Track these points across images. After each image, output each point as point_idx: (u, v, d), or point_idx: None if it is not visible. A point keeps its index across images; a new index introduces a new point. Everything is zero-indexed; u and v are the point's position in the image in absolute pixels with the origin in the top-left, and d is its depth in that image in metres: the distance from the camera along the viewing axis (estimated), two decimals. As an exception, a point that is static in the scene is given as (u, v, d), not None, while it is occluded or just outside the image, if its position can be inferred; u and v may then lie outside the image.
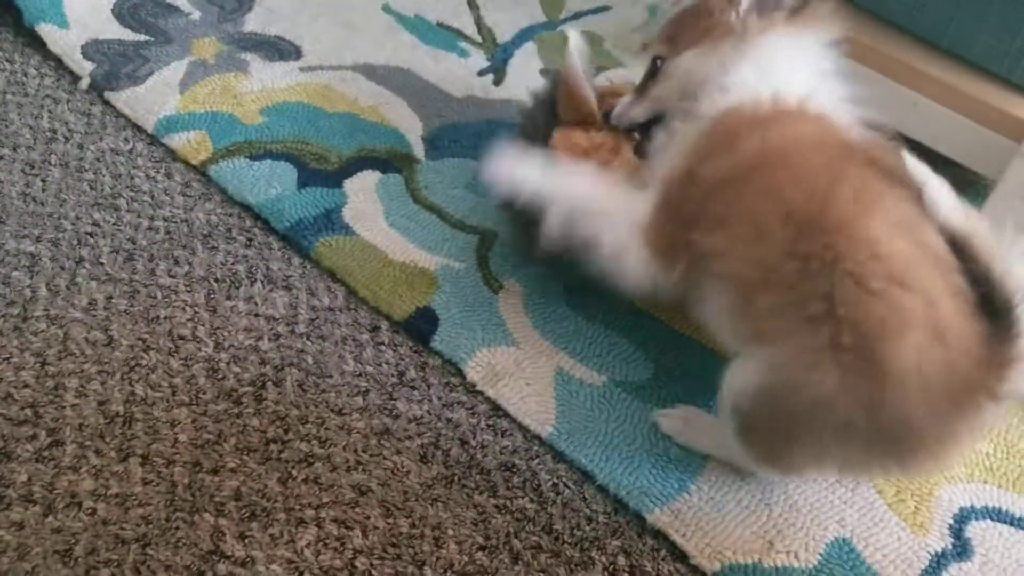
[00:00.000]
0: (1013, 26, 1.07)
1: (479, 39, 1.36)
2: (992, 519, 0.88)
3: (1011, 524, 0.88)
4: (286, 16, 1.37)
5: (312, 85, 1.26)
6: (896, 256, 0.67)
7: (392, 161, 1.17)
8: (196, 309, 1.00)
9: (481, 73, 1.32)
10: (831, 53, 0.84)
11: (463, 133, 1.22)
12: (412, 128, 1.22)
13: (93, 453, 0.87)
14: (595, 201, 0.86)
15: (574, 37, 1.01)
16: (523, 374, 0.96)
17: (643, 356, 0.99)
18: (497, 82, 1.30)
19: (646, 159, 0.92)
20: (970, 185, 1.19)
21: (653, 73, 0.90)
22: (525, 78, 1.30)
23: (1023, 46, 1.07)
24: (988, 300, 0.65)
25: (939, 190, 0.70)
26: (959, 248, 0.67)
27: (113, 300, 1.00)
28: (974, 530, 0.87)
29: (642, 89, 0.92)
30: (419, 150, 1.19)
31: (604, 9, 1.44)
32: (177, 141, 1.16)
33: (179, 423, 0.90)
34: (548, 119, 1.01)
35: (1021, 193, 1.06)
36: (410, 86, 1.28)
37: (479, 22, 1.39)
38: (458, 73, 1.31)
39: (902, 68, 1.13)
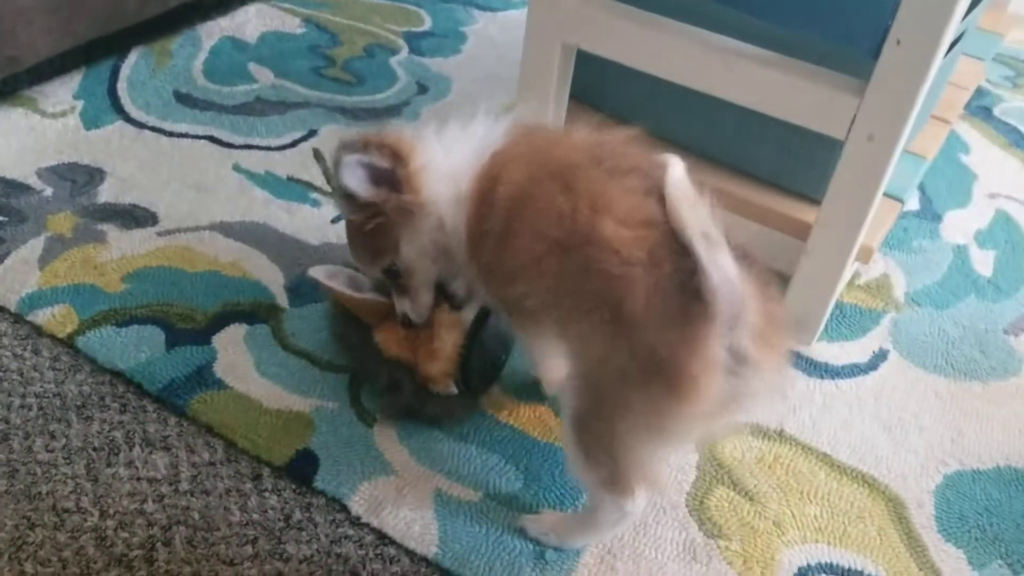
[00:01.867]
0: (786, 145, 1.25)
1: (329, 189, 1.46)
2: (826, 573, 1.00)
3: (841, 575, 1.00)
4: (138, 184, 1.43)
5: (171, 248, 1.32)
6: (625, 244, 0.83)
7: (257, 313, 1.24)
8: (77, 480, 1.03)
9: (334, 220, 1.41)
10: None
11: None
12: (274, 279, 1.29)
13: (-14, 640, 0.88)
14: None
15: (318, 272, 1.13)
16: (405, 501, 1.03)
17: (512, 468, 1.08)
18: (349, 227, 1.40)
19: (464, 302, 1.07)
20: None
21: (396, 274, 1.03)
22: (375, 221, 1.40)
23: (796, 161, 1.26)
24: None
25: (675, 167, 0.86)
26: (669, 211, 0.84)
27: (-8, 482, 1.02)
28: (813, 586, 0.99)
29: (402, 290, 1.05)
30: (283, 299, 1.27)
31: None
32: (42, 317, 1.19)
33: (72, 596, 0.92)
34: (359, 330, 1.12)
35: (810, 283, 1.22)
36: (268, 239, 1.36)
37: (327, 173, 1.48)
38: (312, 223, 1.40)
39: (699, 187, 1.29)
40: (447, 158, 0.97)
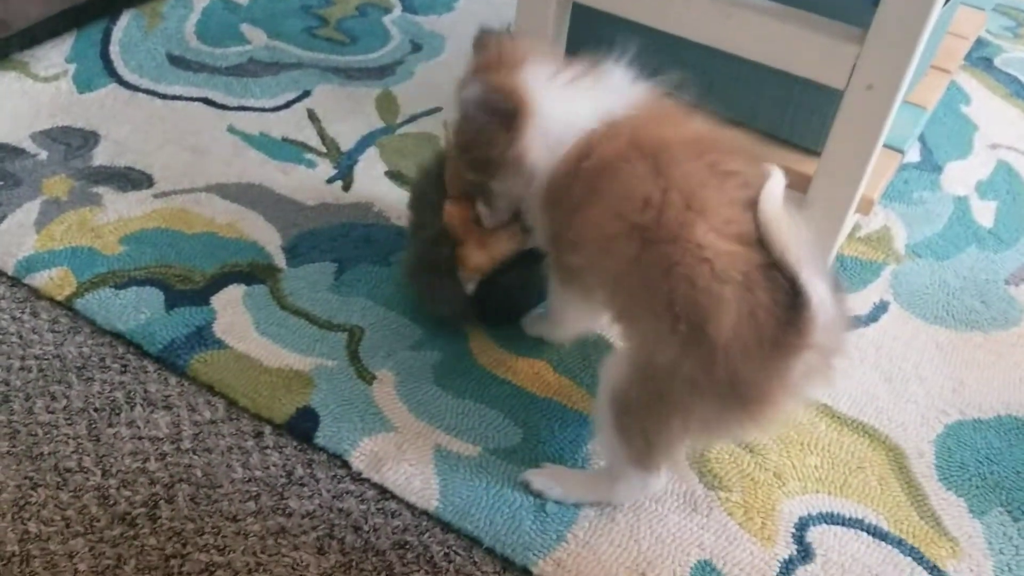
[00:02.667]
0: (785, 96, 1.24)
1: (324, 149, 1.45)
2: (827, 523, 1.00)
3: (842, 525, 1.00)
4: (133, 147, 1.42)
5: (168, 210, 1.32)
6: (719, 257, 0.79)
7: (255, 273, 1.24)
8: (79, 440, 1.03)
9: (330, 181, 1.40)
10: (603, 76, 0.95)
11: (320, 239, 1.30)
12: (271, 240, 1.29)
13: (-8, 597, 0.89)
14: None
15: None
16: (405, 456, 1.03)
17: (511, 423, 1.08)
18: (346, 188, 1.39)
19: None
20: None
21: (484, 189, 1.01)
22: (371, 181, 1.40)
23: (797, 112, 1.24)
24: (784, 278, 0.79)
25: (774, 183, 0.82)
26: (765, 231, 0.80)
27: (-7, 444, 1.02)
28: (813, 535, 0.99)
29: (487, 199, 1.03)
30: (280, 259, 1.26)
31: (436, 110, 1.56)
32: (39, 280, 1.19)
33: (77, 554, 0.93)
34: (439, 192, 1.09)
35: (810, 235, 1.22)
36: (264, 200, 1.35)
37: (322, 134, 1.48)
38: (308, 183, 1.39)
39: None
40: (562, 116, 0.92)
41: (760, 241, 0.79)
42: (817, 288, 0.77)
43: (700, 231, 0.80)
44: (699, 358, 0.81)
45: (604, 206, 0.87)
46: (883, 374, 1.18)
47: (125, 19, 1.70)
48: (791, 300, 0.77)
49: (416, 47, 1.71)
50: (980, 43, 1.84)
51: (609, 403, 0.91)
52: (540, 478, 1.01)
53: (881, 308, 1.27)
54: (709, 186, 0.83)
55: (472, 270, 1.08)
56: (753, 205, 0.81)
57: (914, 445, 1.09)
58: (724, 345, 0.79)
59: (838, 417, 1.12)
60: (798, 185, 1.22)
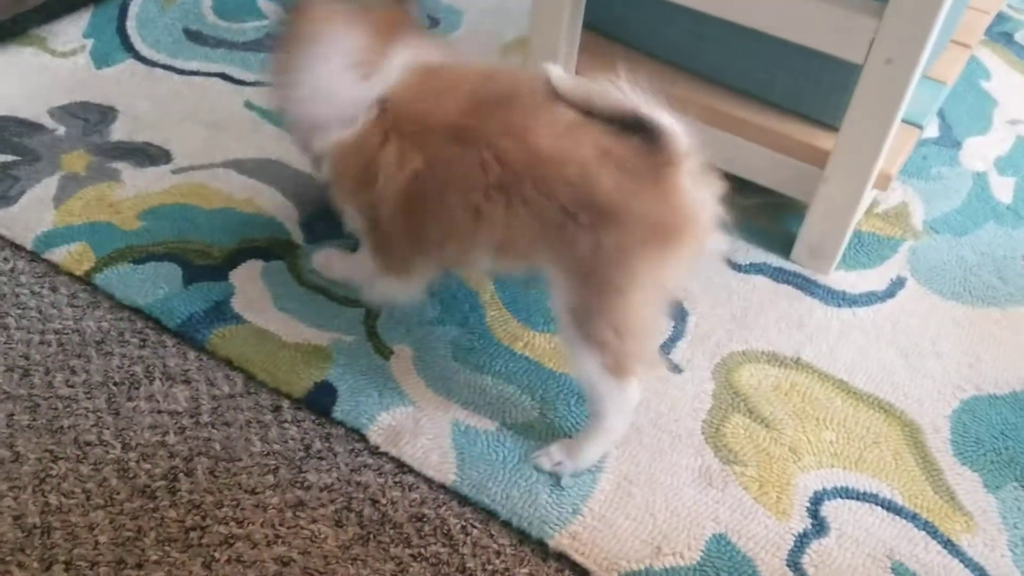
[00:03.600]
0: (803, 71, 1.23)
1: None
2: (841, 497, 1.01)
3: (857, 499, 1.01)
4: (151, 123, 1.42)
5: (186, 186, 1.32)
6: (567, 151, 0.88)
7: (273, 249, 1.24)
8: (99, 414, 1.04)
9: (346, 156, 1.40)
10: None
11: (336, 215, 1.30)
12: (289, 215, 1.29)
13: (16, 567, 0.90)
14: None
15: None
16: (422, 431, 1.04)
17: (528, 397, 1.08)
18: (362, 163, 1.39)
19: None
20: (789, 209, 1.35)
21: None
22: (387, 156, 1.40)
23: (815, 87, 1.23)
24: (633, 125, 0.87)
25: (553, 70, 0.91)
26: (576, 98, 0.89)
27: (15, 417, 1.03)
28: (828, 509, 0.99)
29: None
30: (297, 235, 1.27)
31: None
32: (58, 255, 1.20)
33: (97, 526, 0.94)
34: None
35: (828, 211, 1.22)
36: (281, 176, 1.35)
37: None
38: (324, 158, 1.39)
39: (718, 115, 1.28)
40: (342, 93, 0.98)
41: (587, 116, 0.88)
42: (658, 113, 0.85)
43: (543, 145, 0.88)
44: (611, 227, 0.88)
45: (449, 200, 0.93)
46: (900, 350, 1.17)
47: (141, -5, 1.70)
48: (645, 136, 0.86)
49: (434, 22, 1.71)
50: (1001, 18, 1.82)
51: (570, 319, 0.94)
52: (546, 458, 1.02)
53: (898, 284, 1.26)
54: (512, 114, 0.91)
55: None
56: (552, 101, 0.90)
57: (930, 420, 1.09)
58: (619, 202, 0.87)
59: (854, 392, 1.12)
60: (816, 160, 1.22)
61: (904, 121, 1.25)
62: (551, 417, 1.06)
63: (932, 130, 1.54)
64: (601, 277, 0.91)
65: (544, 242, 0.92)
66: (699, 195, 0.90)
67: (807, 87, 1.24)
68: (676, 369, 1.13)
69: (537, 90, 0.92)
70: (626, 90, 0.87)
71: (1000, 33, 1.79)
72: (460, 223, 0.94)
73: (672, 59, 1.35)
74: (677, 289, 1.03)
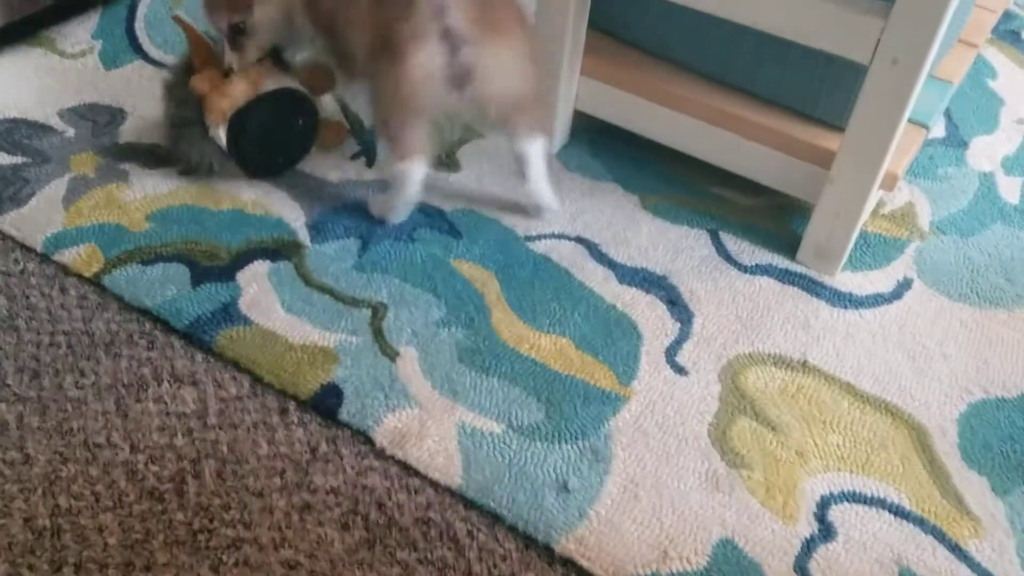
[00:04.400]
0: (809, 70, 1.23)
1: (348, 126, 1.45)
2: (848, 501, 1.01)
3: (864, 503, 1.01)
4: (159, 124, 1.42)
5: (194, 187, 1.32)
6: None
7: (281, 250, 1.25)
8: (108, 416, 1.05)
9: (353, 157, 1.41)
10: None
11: (344, 215, 1.30)
12: (296, 216, 1.30)
13: (26, 569, 0.91)
14: None
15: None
16: (428, 433, 1.04)
17: (534, 399, 1.09)
18: (369, 164, 1.40)
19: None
20: (795, 210, 1.35)
21: (241, 31, 1.23)
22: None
23: (820, 87, 1.23)
24: None
25: None
26: None
27: (25, 419, 1.04)
28: (835, 513, 0.99)
29: (238, 45, 1.25)
30: (304, 236, 1.27)
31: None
32: (68, 256, 1.21)
33: (106, 528, 0.95)
34: (185, 75, 1.29)
35: (834, 211, 1.21)
36: (289, 177, 1.36)
37: (345, 110, 1.48)
38: (331, 160, 1.40)
39: (723, 116, 1.28)
40: None
41: None
42: None
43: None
44: (368, 37, 1.15)
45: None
46: (907, 352, 1.17)
47: (148, -5, 1.71)
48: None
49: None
50: (1008, 16, 1.81)
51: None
52: (376, 207, 1.29)
53: (905, 285, 1.26)
54: None
55: (217, 115, 1.26)
56: None
57: (937, 423, 1.09)
58: (371, 22, 1.13)
59: (861, 395, 1.12)
60: (821, 161, 1.22)
61: (910, 121, 1.25)
62: (557, 419, 1.07)
63: (939, 130, 1.53)
64: (367, 74, 1.18)
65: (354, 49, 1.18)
66: (458, 46, 1.10)
67: (813, 87, 1.24)
68: (682, 372, 1.13)
69: None
70: None
71: (1007, 31, 1.79)
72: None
73: (677, 59, 1.35)
74: (420, 105, 1.19)
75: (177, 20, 1.31)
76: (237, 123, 1.27)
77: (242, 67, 1.27)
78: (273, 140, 1.33)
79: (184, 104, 1.29)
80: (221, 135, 1.28)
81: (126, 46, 1.58)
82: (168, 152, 1.36)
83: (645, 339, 1.16)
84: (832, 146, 1.21)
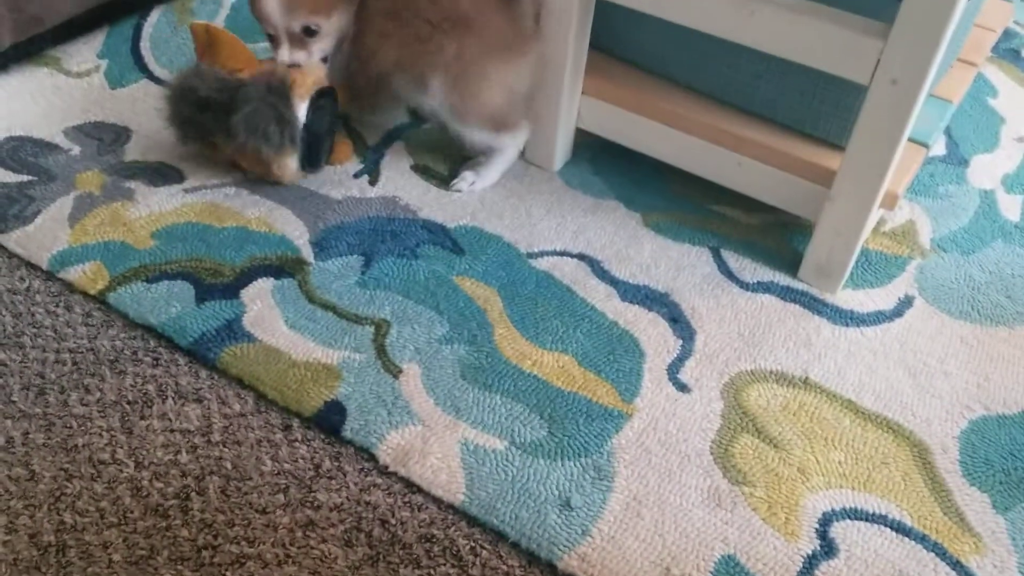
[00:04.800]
0: (808, 90, 1.24)
1: (351, 143, 1.47)
2: (851, 518, 1.01)
3: (866, 520, 1.01)
4: (164, 142, 1.44)
5: (199, 205, 1.33)
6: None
7: (284, 267, 1.26)
8: (113, 433, 1.06)
9: (357, 175, 1.42)
10: None
11: (347, 232, 1.31)
12: (299, 233, 1.30)
13: (31, 585, 0.91)
14: None
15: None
16: (431, 450, 1.05)
17: (537, 416, 1.09)
18: (372, 182, 1.41)
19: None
20: (796, 227, 1.36)
21: (311, 32, 1.31)
22: (397, 175, 1.41)
23: (819, 106, 1.24)
24: None
25: None
26: None
27: (30, 435, 1.04)
28: (837, 530, 1.00)
29: (302, 45, 1.33)
30: (308, 253, 1.28)
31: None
32: (73, 274, 1.22)
33: (111, 544, 0.95)
34: (204, 80, 1.31)
35: (835, 230, 1.22)
36: (292, 194, 1.37)
37: (349, 129, 1.49)
38: (335, 177, 1.41)
39: (723, 134, 1.29)
40: None
41: None
42: None
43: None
44: (475, 40, 1.28)
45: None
46: (908, 369, 1.18)
47: (155, 15, 1.72)
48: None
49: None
50: (1008, 34, 1.82)
51: (454, 118, 1.35)
52: (464, 183, 1.39)
53: (906, 303, 1.27)
54: None
55: (304, 91, 1.30)
56: None
57: (939, 440, 1.10)
58: (483, 24, 1.28)
59: (862, 412, 1.12)
60: (822, 179, 1.22)
61: (911, 140, 1.26)
62: (560, 436, 1.07)
63: (939, 148, 1.54)
64: (467, 78, 1.28)
65: (423, 53, 1.28)
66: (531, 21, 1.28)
67: (812, 107, 1.25)
68: (684, 389, 1.13)
69: None
70: None
71: (1007, 50, 1.80)
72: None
73: (678, 79, 1.36)
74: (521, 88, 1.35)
75: (197, 27, 1.35)
76: (316, 101, 1.32)
77: (305, 63, 1.34)
78: (324, 133, 1.36)
79: (225, 86, 1.29)
80: (302, 110, 1.30)
81: (131, 65, 1.60)
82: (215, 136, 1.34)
83: (647, 356, 1.17)
84: (832, 165, 1.22)
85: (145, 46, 1.65)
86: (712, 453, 1.06)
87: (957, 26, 1.04)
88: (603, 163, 1.47)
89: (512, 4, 1.28)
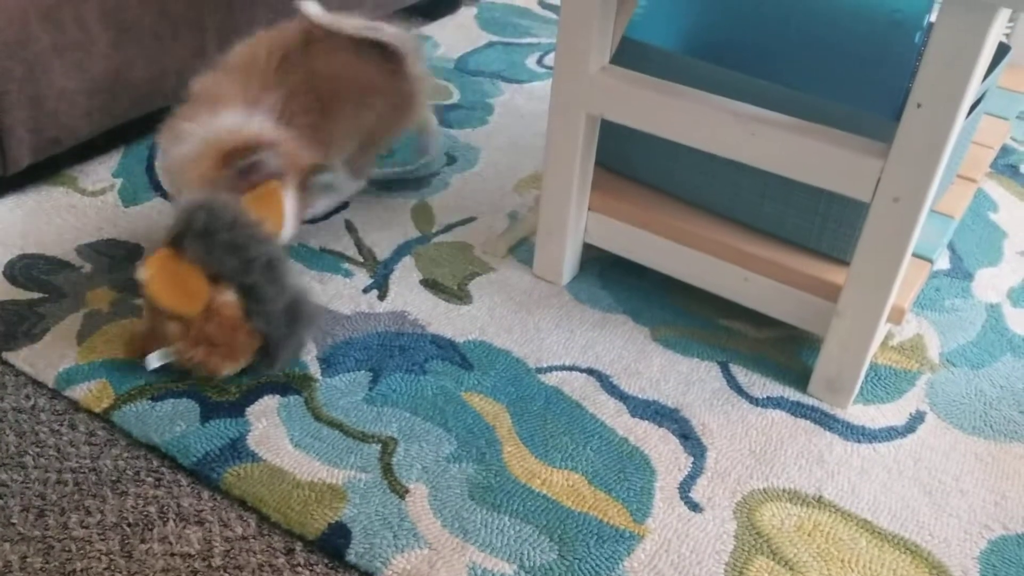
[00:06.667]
0: (812, 207, 1.26)
1: (360, 259, 1.48)
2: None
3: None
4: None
5: (206, 321, 1.34)
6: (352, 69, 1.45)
7: (291, 384, 1.25)
8: (112, 557, 1.03)
9: (366, 290, 1.43)
10: None
11: (355, 348, 1.31)
12: (306, 349, 1.30)
13: None
14: None
15: None
16: (438, 574, 1.02)
17: (547, 539, 1.07)
18: (381, 296, 1.41)
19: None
20: (805, 342, 1.36)
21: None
22: (406, 290, 1.42)
23: (823, 223, 1.26)
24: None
25: (313, 11, 1.40)
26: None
27: (28, 559, 1.02)
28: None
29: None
30: (315, 369, 1.28)
31: (471, 220, 1.60)
32: (79, 392, 1.21)
33: (106, 675, 0.92)
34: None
35: (843, 344, 1.22)
36: (300, 311, 1.37)
37: (359, 244, 1.51)
38: (345, 292, 1.42)
39: (729, 250, 1.30)
40: None
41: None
42: (384, 28, 1.43)
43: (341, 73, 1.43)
44: (388, 102, 1.49)
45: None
46: (923, 487, 1.15)
47: (169, 135, 1.77)
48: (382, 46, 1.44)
49: (451, 159, 1.76)
50: (1005, 151, 1.86)
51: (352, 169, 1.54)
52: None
53: (918, 418, 1.25)
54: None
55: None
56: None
57: (958, 562, 1.07)
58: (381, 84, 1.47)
59: (879, 532, 1.09)
60: (828, 294, 1.23)
61: (915, 255, 1.27)
62: (571, 559, 1.04)
63: (943, 262, 1.55)
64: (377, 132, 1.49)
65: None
66: (421, 76, 1.49)
67: (816, 223, 1.26)
68: (697, 508, 1.11)
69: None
70: (361, 20, 1.40)
71: (1006, 165, 1.83)
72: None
73: (683, 195, 1.38)
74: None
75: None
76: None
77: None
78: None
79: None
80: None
81: (146, 184, 1.63)
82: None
83: (659, 474, 1.15)
84: (838, 280, 1.22)
85: (160, 166, 1.68)
86: (726, 576, 1.04)
87: (956, 144, 1.07)
88: (611, 277, 1.48)
89: (399, 64, 1.46)
